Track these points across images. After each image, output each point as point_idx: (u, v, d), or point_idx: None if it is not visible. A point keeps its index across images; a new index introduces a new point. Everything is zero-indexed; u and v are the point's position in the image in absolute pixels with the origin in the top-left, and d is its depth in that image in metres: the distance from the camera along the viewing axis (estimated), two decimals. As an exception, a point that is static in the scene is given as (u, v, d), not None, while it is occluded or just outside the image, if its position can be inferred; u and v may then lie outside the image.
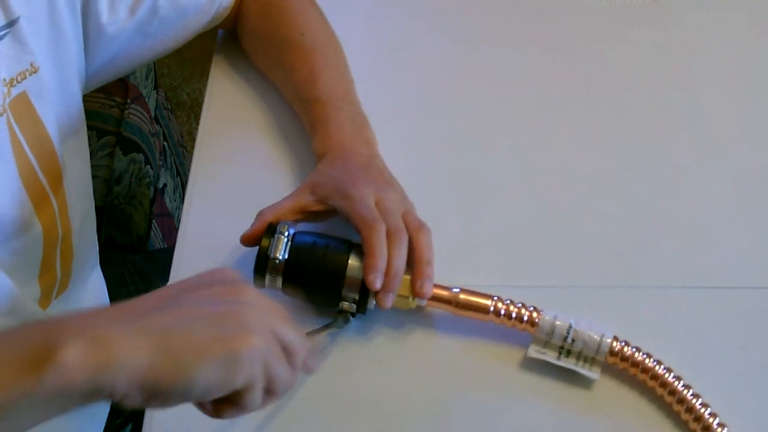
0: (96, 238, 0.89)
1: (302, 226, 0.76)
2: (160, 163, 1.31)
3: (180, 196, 1.40)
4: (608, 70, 0.99)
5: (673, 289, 0.79)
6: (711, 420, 0.67)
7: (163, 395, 0.50)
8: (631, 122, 0.93)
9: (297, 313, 0.75)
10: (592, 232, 0.83)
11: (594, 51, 1.01)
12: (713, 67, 0.99)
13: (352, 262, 0.71)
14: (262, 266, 0.72)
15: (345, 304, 0.72)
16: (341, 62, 0.89)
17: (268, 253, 0.72)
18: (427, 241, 0.73)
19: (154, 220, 1.24)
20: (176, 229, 0.84)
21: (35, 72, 0.72)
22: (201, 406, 0.56)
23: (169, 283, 0.78)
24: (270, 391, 0.56)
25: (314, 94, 0.85)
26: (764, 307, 0.78)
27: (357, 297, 0.71)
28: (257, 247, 0.73)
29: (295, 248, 0.72)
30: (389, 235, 0.71)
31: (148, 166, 1.25)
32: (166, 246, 1.28)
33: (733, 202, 0.86)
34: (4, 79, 0.69)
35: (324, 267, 0.72)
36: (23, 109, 0.72)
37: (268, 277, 0.72)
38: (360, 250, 0.72)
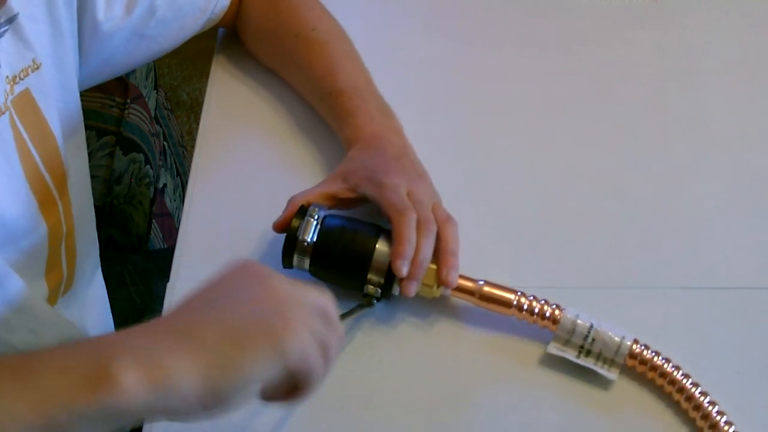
0: (96, 235, 0.90)
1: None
2: (160, 163, 1.31)
3: (180, 196, 1.40)
4: (608, 70, 0.99)
5: (672, 290, 0.79)
6: (726, 428, 0.67)
7: (222, 402, 0.52)
8: (631, 122, 0.93)
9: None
10: (591, 232, 0.83)
11: (594, 51, 1.01)
12: (713, 68, 0.99)
13: (380, 247, 0.73)
14: (291, 247, 0.73)
15: (370, 288, 0.73)
16: (357, 55, 0.90)
17: (297, 234, 0.73)
18: (454, 233, 0.74)
19: (154, 220, 1.24)
20: (176, 229, 0.84)
21: (37, 69, 0.72)
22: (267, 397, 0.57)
23: (169, 282, 0.78)
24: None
25: (337, 87, 0.85)
26: (764, 308, 0.78)
27: (382, 282, 0.73)
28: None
29: (324, 231, 0.73)
30: (419, 225, 0.72)
31: (148, 166, 1.25)
32: (166, 246, 1.28)
33: (733, 202, 0.86)
34: (7, 77, 0.69)
35: (351, 250, 0.73)
36: (27, 107, 0.72)
37: (296, 258, 0.74)
38: (388, 236, 0.73)
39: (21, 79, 0.71)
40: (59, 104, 0.77)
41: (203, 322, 0.53)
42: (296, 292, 0.57)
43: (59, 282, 0.81)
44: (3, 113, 0.69)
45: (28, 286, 0.74)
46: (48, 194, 0.76)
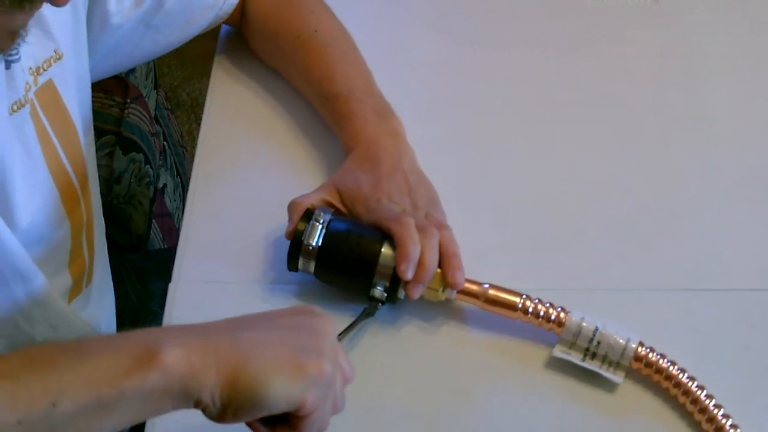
0: (104, 227, 0.89)
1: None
2: (160, 163, 1.31)
3: (180, 196, 1.40)
4: (609, 71, 0.99)
5: (676, 291, 0.79)
6: (732, 431, 0.67)
7: (236, 403, 0.54)
8: (632, 123, 0.93)
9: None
10: (594, 234, 0.83)
11: (595, 52, 1.01)
12: (715, 68, 0.99)
13: (385, 251, 0.72)
14: (296, 250, 0.73)
15: (376, 291, 0.73)
16: (358, 56, 0.90)
17: (303, 238, 0.73)
18: (450, 236, 0.74)
19: (153, 220, 1.24)
20: (176, 229, 0.84)
21: (59, 59, 0.72)
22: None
23: (171, 282, 0.79)
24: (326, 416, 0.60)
25: (334, 90, 0.85)
26: (766, 309, 0.78)
27: (388, 285, 0.73)
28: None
29: (329, 235, 0.73)
30: (419, 230, 0.72)
31: (148, 166, 1.25)
32: (165, 246, 1.27)
33: (735, 204, 0.86)
34: (30, 68, 0.69)
35: (357, 254, 0.73)
36: (50, 98, 0.72)
37: (301, 261, 0.74)
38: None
39: (44, 70, 0.71)
40: (78, 95, 0.77)
41: (249, 329, 0.58)
42: (337, 354, 0.60)
43: (82, 271, 0.82)
44: (23, 106, 0.68)
45: (53, 278, 0.75)
46: (71, 189, 0.76)
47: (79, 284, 0.81)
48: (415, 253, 0.71)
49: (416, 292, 0.72)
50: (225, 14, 0.91)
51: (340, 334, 0.70)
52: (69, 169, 0.75)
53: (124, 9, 0.80)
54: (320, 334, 0.59)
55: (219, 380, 0.53)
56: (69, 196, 0.75)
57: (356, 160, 0.80)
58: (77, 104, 0.76)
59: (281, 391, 0.55)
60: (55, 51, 0.72)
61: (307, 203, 0.76)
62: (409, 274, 0.71)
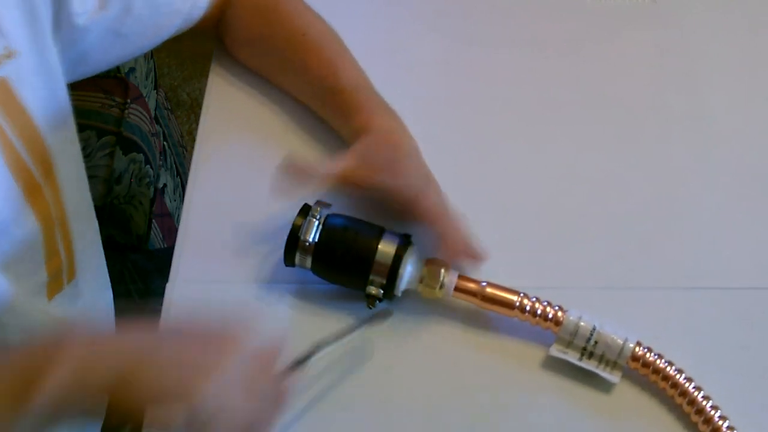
0: (96, 223, 0.89)
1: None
2: (160, 163, 1.31)
3: (180, 196, 1.40)
4: (608, 70, 0.99)
5: (674, 290, 0.79)
6: None
7: (119, 414, 0.56)
8: (631, 123, 0.93)
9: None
10: (593, 233, 0.83)
11: (594, 51, 1.01)
12: (714, 68, 0.99)
13: (382, 247, 0.73)
14: (293, 246, 0.73)
15: (372, 289, 0.73)
16: (351, 55, 0.89)
17: (299, 234, 0.73)
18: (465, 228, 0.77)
19: (154, 220, 1.24)
20: (176, 229, 0.84)
21: (12, 56, 0.71)
22: None
23: (168, 282, 0.79)
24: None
25: (339, 85, 0.85)
26: (765, 308, 0.78)
27: (384, 282, 0.73)
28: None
29: (326, 231, 0.74)
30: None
31: (148, 166, 1.25)
32: (166, 246, 1.28)
33: (734, 202, 0.86)
34: None
35: (353, 250, 0.73)
36: (4, 96, 0.71)
37: (298, 256, 0.74)
38: (390, 236, 0.73)
39: None
40: (42, 92, 0.76)
41: (151, 345, 0.58)
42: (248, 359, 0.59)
43: (59, 268, 0.81)
44: None
45: (27, 277, 0.74)
46: (33, 182, 0.75)
47: (58, 281, 0.81)
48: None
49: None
50: (193, 21, 0.90)
51: (345, 333, 0.71)
52: (33, 168, 0.74)
53: (88, 11, 0.79)
54: (223, 357, 0.58)
55: (95, 395, 0.55)
56: (31, 191, 0.75)
57: (374, 140, 0.80)
58: (42, 100, 0.75)
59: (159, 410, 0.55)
60: (5, 48, 0.71)
61: (317, 174, 0.75)
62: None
